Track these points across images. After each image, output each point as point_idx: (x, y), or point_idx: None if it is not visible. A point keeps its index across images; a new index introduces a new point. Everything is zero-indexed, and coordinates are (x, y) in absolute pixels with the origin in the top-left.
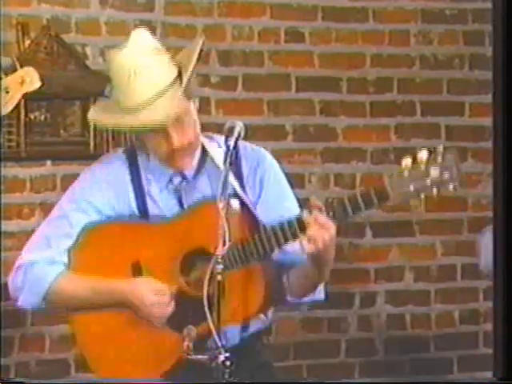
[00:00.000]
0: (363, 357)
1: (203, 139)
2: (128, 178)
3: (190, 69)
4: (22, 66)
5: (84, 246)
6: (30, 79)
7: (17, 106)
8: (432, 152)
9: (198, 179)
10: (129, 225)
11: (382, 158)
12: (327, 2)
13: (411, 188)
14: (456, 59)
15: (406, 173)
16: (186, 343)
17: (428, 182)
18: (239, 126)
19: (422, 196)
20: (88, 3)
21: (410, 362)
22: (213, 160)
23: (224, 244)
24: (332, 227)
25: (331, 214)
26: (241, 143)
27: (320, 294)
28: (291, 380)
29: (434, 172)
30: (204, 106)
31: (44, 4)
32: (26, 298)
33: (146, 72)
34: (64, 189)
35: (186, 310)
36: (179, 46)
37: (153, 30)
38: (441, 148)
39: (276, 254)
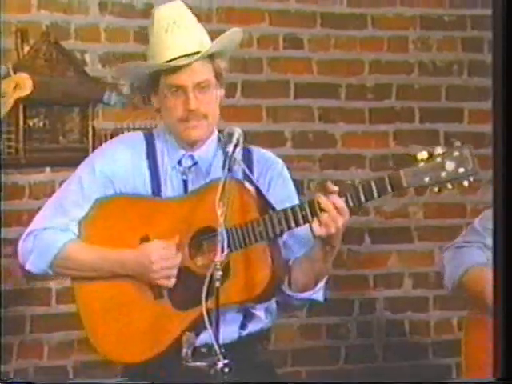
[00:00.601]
0: (362, 363)
1: (219, 134)
2: (144, 157)
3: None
4: (15, 72)
5: (95, 217)
6: (23, 85)
7: (15, 113)
8: (449, 148)
9: (211, 168)
10: (140, 200)
11: (381, 165)
12: (326, 9)
13: (426, 179)
14: (455, 66)
15: (421, 164)
16: (184, 350)
17: (443, 174)
18: (238, 133)
19: (436, 189)
20: (87, 10)
21: (409, 368)
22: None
23: (222, 251)
24: (347, 213)
25: (344, 199)
26: (255, 148)
27: (319, 294)
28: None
29: (450, 165)
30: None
31: (43, 10)
32: (34, 262)
33: (185, 26)
34: None
35: (190, 288)
36: None
37: None
38: (458, 143)
39: (286, 238)
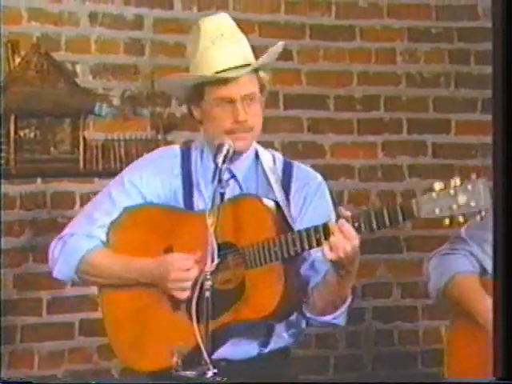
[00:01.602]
0: (352, 373)
1: (257, 146)
2: (179, 170)
3: (269, 57)
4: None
5: (122, 225)
6: None
7: (6, 123)
8: (463, 180)
9: (247, 181)
10: (169, 211)
11: (370, 175)
12: (315, 21)
13: (437, 211)
14: (442, 77)
15: (434, 194)
16: (174, 359)
17: (454, 206)
18: (228, 144)
19: (447, 222)
20: (78, 21)
21: (398, 377)
22: (263, 168)
23: (212, 260)
24: (355, 238)
25: (357, 225)
26: (295, 163)
27: (339, 319)
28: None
29: (462, 198)
30: (194, 124)
31: (34, 22)
32: (61, 269)
33: (232, 38)
34: (54, 206)
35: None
36: (168, 63)
37: (142, 48)
38: (473, 176)
39: (305, 269)
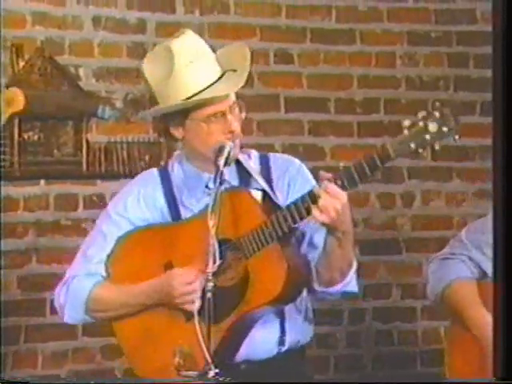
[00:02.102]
0: (351, 373)
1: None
2: (161, 191)
3: (247, 69)
4: (7, 87)
5: (118, 255)
6: (16, 100)
7: (10, 126)
8: (430, 110)
9: (233, 181)
10: (158, 228)
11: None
12: (315, 24)
13: (412, 145)
14: (441, 80)
15: (406, 131)
16: (176, 360)
17: (427, 137)
18: (229, 147)
19: (424, 153)
20: (81, 25)
21: (398, 377)
22: (247, 170)
23: (214, 262)
24: (343, 196)
25: (340, 183)
26: (271, 154)
27: (351, 284)
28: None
29: (433, 127)
30: None
31: (38, 26)
32: (70, 314)
33: (204, 55)
34: (57, 208)
35: (218, 302)
36: None
37: (144, 52)
38: (437, 104)
39: (304, 248)
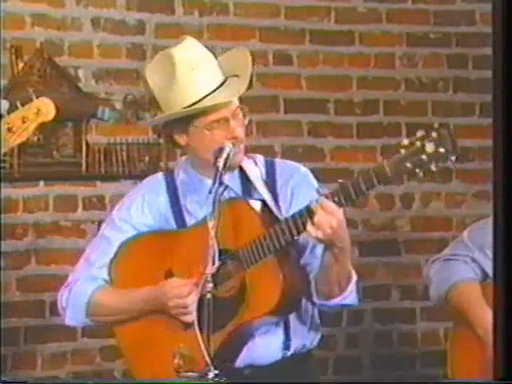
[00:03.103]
0: (351, 374)
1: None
2: (165, 197)
3: (248, 74)
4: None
5: (120, 260)
6: (45, 110)
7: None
8: (427, 130)
9: (235, 188)
10: (161, 235)
11: None
12: (314, 26)
13: (408, 165)
14: (440, 82)
15: (402, 151)
16: (176, 361)
17: (424, 157)
18: (228, 148)
19: (421, 174)
20: (80, 27)
21: (397, 379)
22: (246, 173)
23: (213, 263)
24: (338, 212)
25: (336, 199)
26: (277, 160)
27: (351, 297)
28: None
29: (430, 147)
30: None
31: (37, 27)
32: (71, 316)
33: (206, 61)
34: (57, 209)
35: (215, 311)
36: None
37: (144, 53)
38: (436, 124)
39: (306, 257)
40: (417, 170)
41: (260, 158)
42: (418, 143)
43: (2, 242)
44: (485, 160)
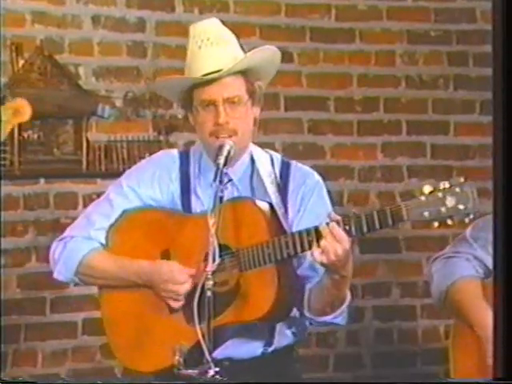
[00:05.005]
0: (351, 372)
1: (255, 149)
2: (177, 174)
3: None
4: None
5: (120, 228)
6: (22, 111)
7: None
8: (452, 183)
9: (243, 185)
10: (166, 214)
11: (369, 176)
12: (315, 23)
13: (426, 214)
14: (440, 79)
15: (423, 198)
16: (176, 357)
17: (443, 209)
18: (228, 145)
19: (436, 225)
20: (81, 24)
21: (398, 376)
22: (258, 171)
23: (214, 260)
24: (346, 241)
25: (347, 228)
26: (293, 162)
27: (340, 318)
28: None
29: (450, 201)
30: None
31: (38, 25)
32: (61, 270)
33: (218, 42)
34: (57, 206)
35: (204, 304)
36: (169, 66)
37: (144, 51)
38: (461, 179)
39: (304, 269)
40: (434, 222)
41: (278, 158)
42: (440, 194)
43: (3, 240)
44: (485, 157)
